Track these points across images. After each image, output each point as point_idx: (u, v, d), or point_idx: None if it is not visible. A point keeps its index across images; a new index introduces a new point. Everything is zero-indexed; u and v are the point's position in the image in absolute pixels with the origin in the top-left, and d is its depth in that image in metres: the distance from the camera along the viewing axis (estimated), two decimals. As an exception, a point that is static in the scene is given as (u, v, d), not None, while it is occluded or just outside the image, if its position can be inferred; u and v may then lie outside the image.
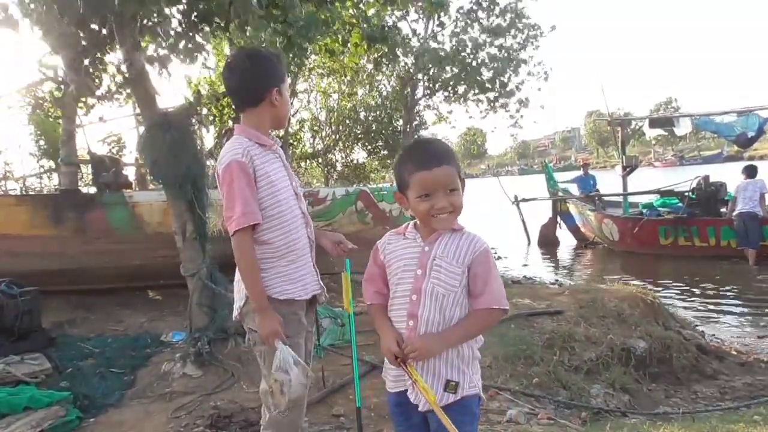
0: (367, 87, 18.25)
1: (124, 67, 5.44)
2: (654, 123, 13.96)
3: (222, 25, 5.20)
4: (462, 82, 15.49)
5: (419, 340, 1.84)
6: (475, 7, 15.24)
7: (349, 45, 7.66)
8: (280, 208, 2.37)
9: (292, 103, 15.71)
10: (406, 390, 1.92)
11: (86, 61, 5.89)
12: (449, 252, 1.88)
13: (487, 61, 15.36)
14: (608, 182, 17.68)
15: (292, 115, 16.45)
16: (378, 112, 17.87)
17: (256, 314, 2.33)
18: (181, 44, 4.97)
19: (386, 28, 7.65)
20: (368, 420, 3.60)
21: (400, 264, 1.93)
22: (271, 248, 2.36)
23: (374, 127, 17.68)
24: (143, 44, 5.26)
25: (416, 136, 16.65)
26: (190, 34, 5.07)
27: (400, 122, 16.87)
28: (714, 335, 6.71)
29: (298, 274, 2.41)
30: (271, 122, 2.47)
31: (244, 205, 2.27)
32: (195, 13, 5.01)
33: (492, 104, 16.00)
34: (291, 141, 16.09)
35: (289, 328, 2.36)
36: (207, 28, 5.18)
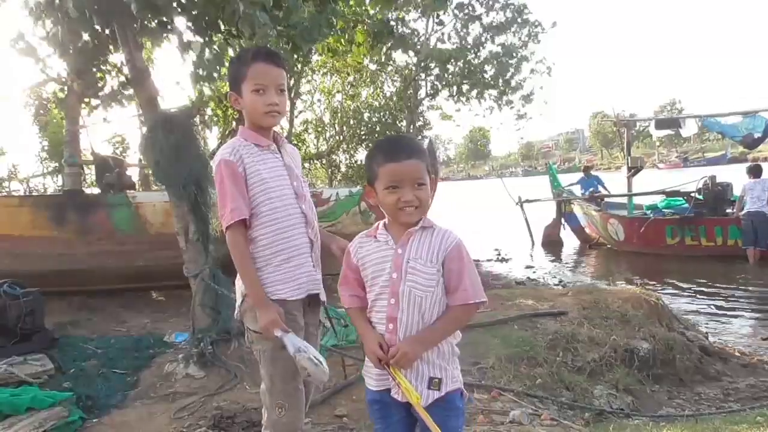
0: (371, 88, 18.24)
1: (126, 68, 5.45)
2: (660, 124, 13.98)
3: (233, 32, 5.20)
4: (465, 81, 15.44)
5: (403, 346, 1.85)
6: (473, 2, 15.16)
7: (353, 44, 7.65)
8: (270, 206, 2.37)
9: (294, 104, 15.78)
10: (389, 389, 1.94)
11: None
12: (422, 252, 1.89)
13: (489, 58, 15.30)
14: (613, 183, 17.65)
15: (296, 116, 16.42)
16: (381, 113, 17.86)
17: (256, 308, 2.33)
18: (199, 54, 4.95)
19: (391, 23, 7.63)
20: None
21: (376, 268, 1.94)
22: (259, 246, 2.38)
23: (378, 128, 17.64)
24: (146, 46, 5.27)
25: (420, 137, 16.62)
26: (205, 40, 5.07)
27: (404, 123, 16.84)
28: (717, 336, 6.68)
29: (292, 273, 2.40)
30: (249, 124, 2.46)
31: (231, 202, 2.31)
32: (206, 19, 5.00)
33: (497, 101, 15.93)
34: (295, 142, 16.08)
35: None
36: (218, 36, 5.20)
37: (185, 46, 4.86)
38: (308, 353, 2.21)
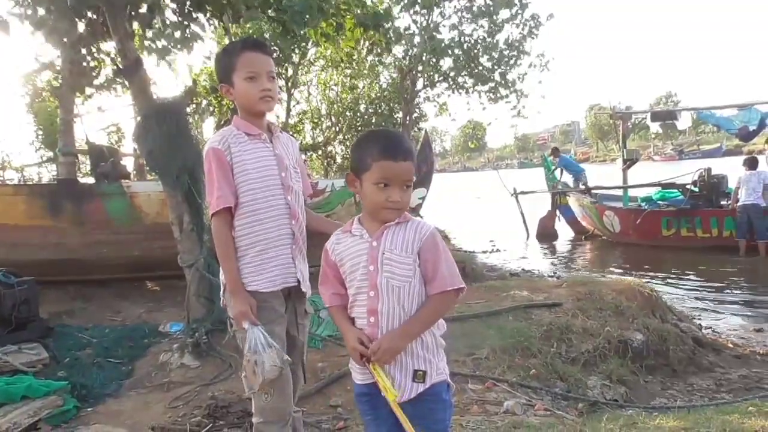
0: (368, 79, 18.19)
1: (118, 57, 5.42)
2: (656, 116, 13.98)
3: (216, 14, 5.18)
4: (463, 72, 15.35)
5: (383, 341, 1.86)
6: None
7: (344, 29, 7.57)
8: (252, 196, 2.40)
9: (292, 95, 15.73)
10: (375, 382, 1.94)
11: (83, 51, 5.86)
12: (397, 243, 1.90)
13: (486, 48, 15.18)
14: (608, 175, 17.67)
15: (292, 107, 16.37)
16: (377, 105, 17.83)
17: (230, 297, 2.38)
18: (177, 34, 4.96)
19: (377, 14, 7.58)
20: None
21: (353, 262, 1.95)
22: (239, 236, 2.42)
23: (374, 120, 17.62)
24: (136, 33, 5.23)
25: (416, 129, 16.59)
26: (185, 23, 5.05)
27: (400, 114, 16.80)
28: (711, 328, 6.72)
29: (266, 265, 2.42)
30: (243, 113, 2.49)
31: (218, 190, 2.36)
32: (189, 2, 4.99)
33: (494, 93, 15.83)
34: (291, 133, 16.03)
35: (262, 315, 2.37)
36: (202, 18, 5.16)
37: (165, 27, 4.86)
38: (261, 356, 2.24)
